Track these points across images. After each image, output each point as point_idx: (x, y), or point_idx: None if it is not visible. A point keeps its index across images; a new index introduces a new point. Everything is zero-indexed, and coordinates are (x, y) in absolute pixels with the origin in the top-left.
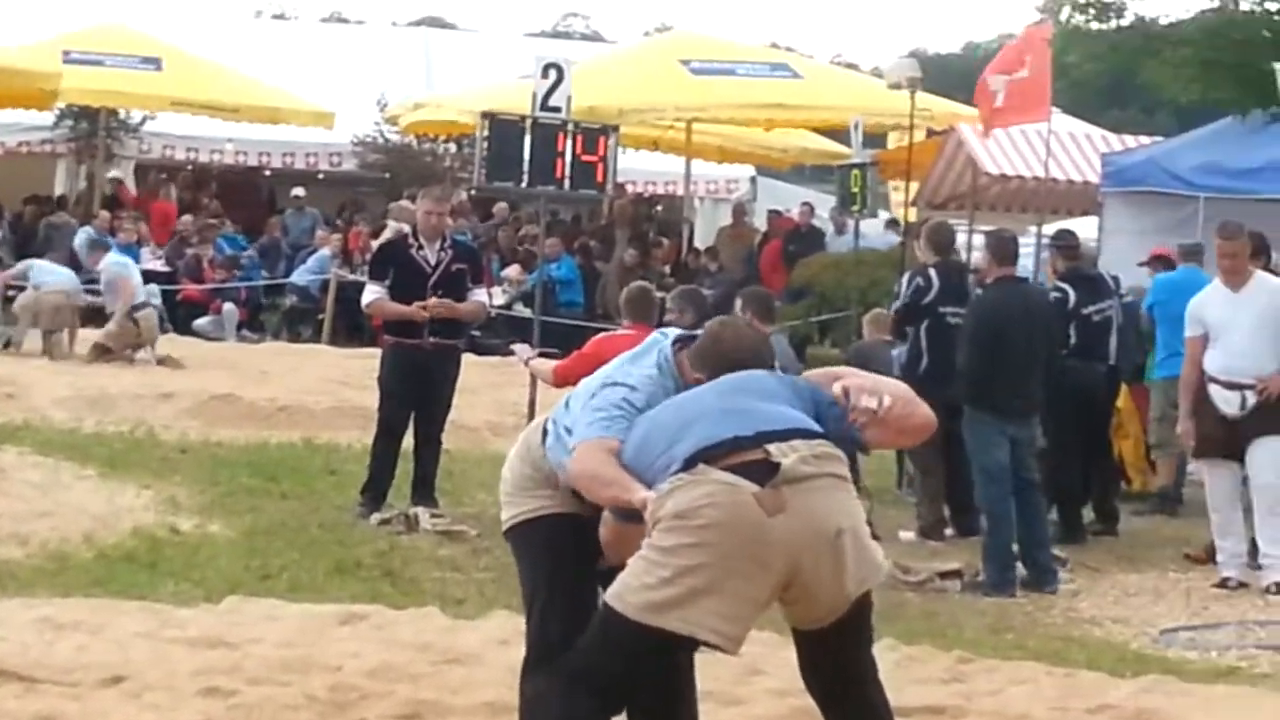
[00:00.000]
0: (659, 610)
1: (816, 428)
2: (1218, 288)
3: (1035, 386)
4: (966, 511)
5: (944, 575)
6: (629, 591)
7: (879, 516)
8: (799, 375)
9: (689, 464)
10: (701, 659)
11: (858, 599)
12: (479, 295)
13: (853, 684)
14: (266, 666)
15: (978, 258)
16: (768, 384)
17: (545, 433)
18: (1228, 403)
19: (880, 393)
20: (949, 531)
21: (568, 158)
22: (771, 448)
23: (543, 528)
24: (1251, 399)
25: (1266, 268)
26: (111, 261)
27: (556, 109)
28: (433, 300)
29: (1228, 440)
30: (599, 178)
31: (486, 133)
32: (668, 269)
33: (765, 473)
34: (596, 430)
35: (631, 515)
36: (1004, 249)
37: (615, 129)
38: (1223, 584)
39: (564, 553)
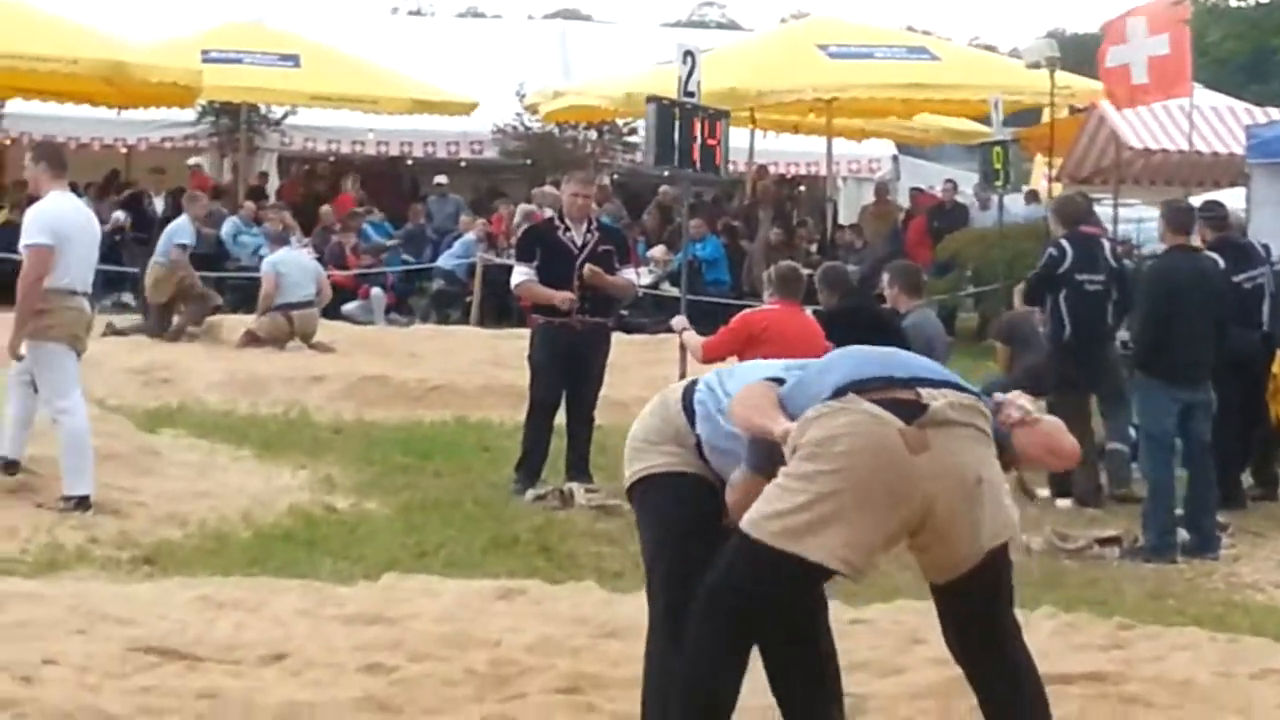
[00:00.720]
0: (795, 536)
1: (972, 387)
2: None
3: (1207, 353)
4: (1093, 476)
5: (1103, 542)
6: (764, 519)
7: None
8: (947, 347)
9: (838, 393)
10: (864, 629)
11: (993, 554)
12: (628, 274)
13: (993, 642)
14: (426, 642)
15: (1124, 230)
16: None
17: (686, 395)
18: None
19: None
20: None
21: (698, 142)
22: (923, 390)
23: (664, 484)
24: None
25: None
26: (269, 259)
27: (691, 94)
28: (586, 268)
29: None
30: (716, 160)
31: (654, 117)
32: (813, 247)
33: (913, 412)
34: (750, 376)
35: (765, 466)
36: (1178, 218)
37: (727, 114)
38: None
39: (685, 510)
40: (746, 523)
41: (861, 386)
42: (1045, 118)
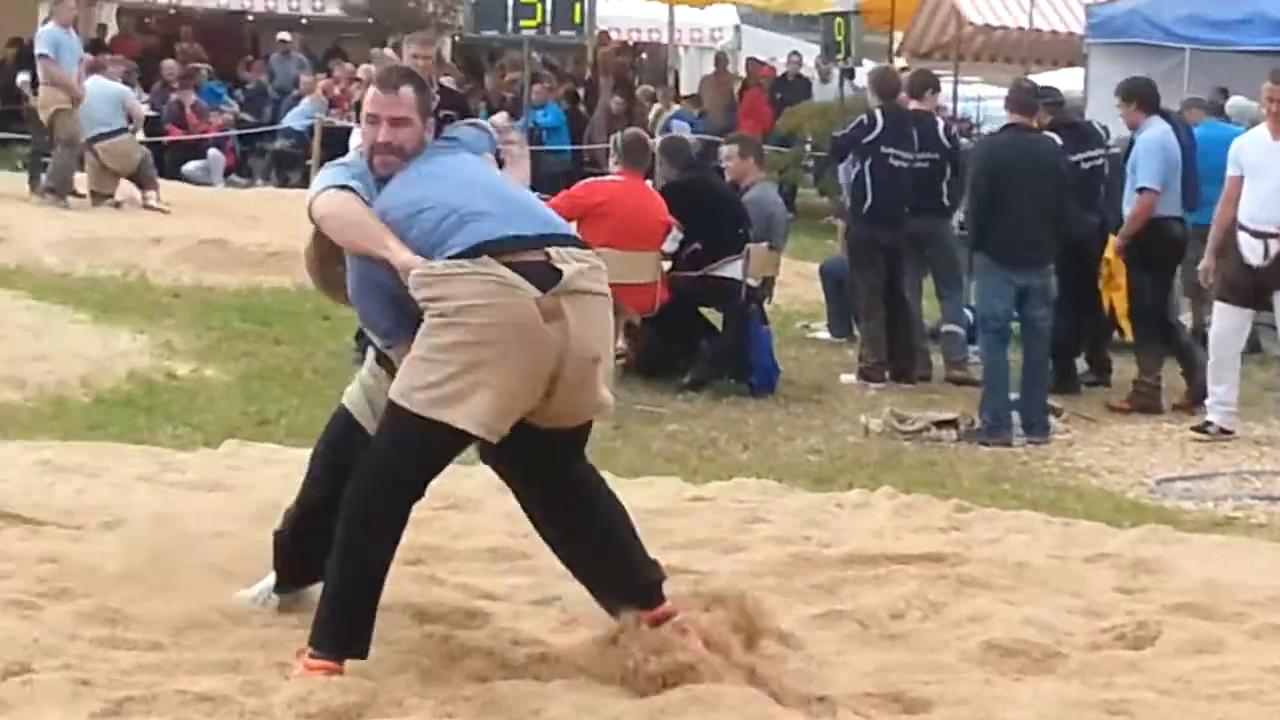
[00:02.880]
0: (442, 405)
1: (572, 230)
2: (1261, 132)
3: (1045, 235)
4: (907, 356)
5: (940, 424)
6: (413, 390)
7: (828, 362)
8: (787, 223)
9: (471, 252)
10: (703, 506)
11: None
12: None
13: (568, 490)
14: (267, 510)
15: (964, 108)
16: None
17: None
18: (1253, 251)
19: None
20: (888, 375)
21: (548, 3)
22: (553, 251)
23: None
24: (1275, 248)
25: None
26: None
27: None
28: None
29: (1247, 288)
30: (576, 18)
31: None
32: (652, 116)
33: (547, 277)
34: (328, 180)
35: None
36: (1021, 97)
37: None
38: (1203, 429)
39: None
40: (396, 394)
41: (494, 248)
42: None
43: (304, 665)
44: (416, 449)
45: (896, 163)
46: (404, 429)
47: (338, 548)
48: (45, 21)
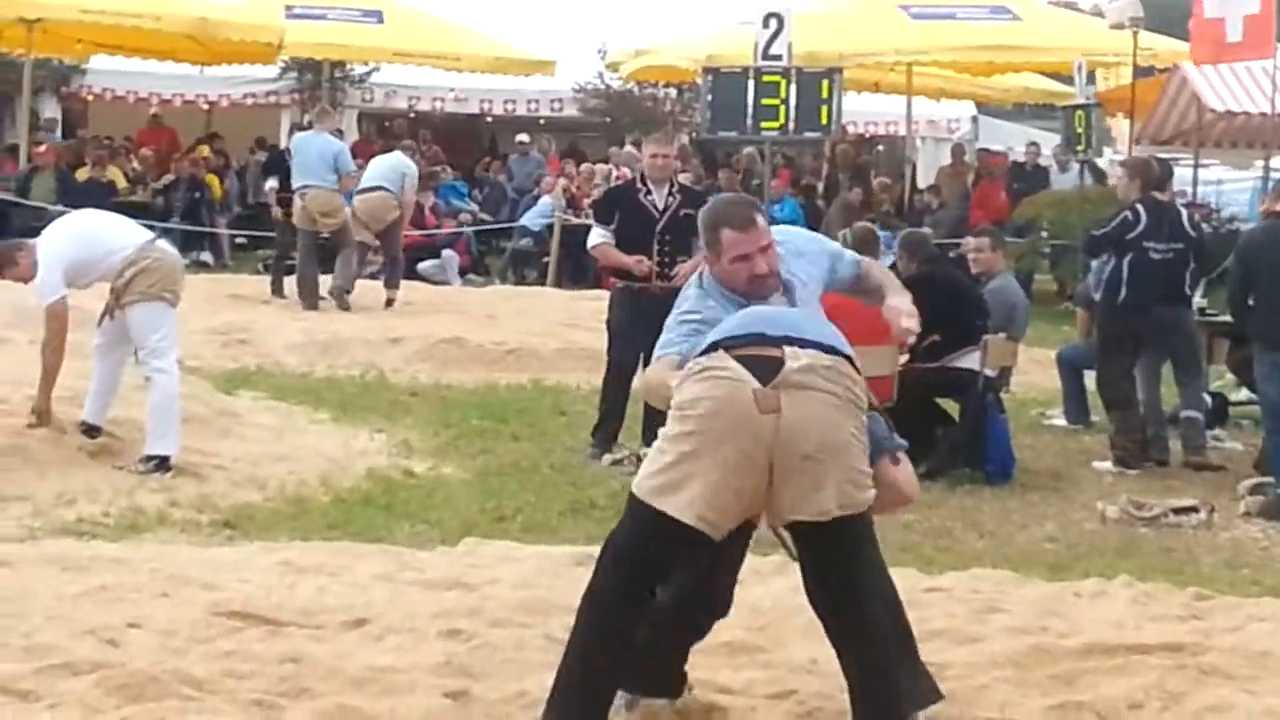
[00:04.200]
0: (660, 493)
1: (846, 348)
2: None
3: None
4: (1160, 439)
5: (1178, 511)
6: (643, 477)
7: (1065, 449)
8: (1028, 312)
9: (709, 349)
10: (939, 597)
11: (840, 523)
12: None
13: (851, 604)
14: (505, 608)
15: (1204, 192)
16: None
17: None
18: None
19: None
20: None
21: (791, 103)
22: (789, 349)
23: None
24: None
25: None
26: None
27: (778, 56)
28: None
29: None
30: (824, 119)
31: (710, 84)
32: (891, 209)
33: (773, 370)
34: (659, 352)
35: None
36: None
37: (839, 71)
38: None
39: None
40: (634, 481)
41: (731, 343)
42: (1110, 80)
43: None
44: (642, 534)
45: (1155, 255)
46: (633, 516)
47: (571, 639)
48: (305, 128)
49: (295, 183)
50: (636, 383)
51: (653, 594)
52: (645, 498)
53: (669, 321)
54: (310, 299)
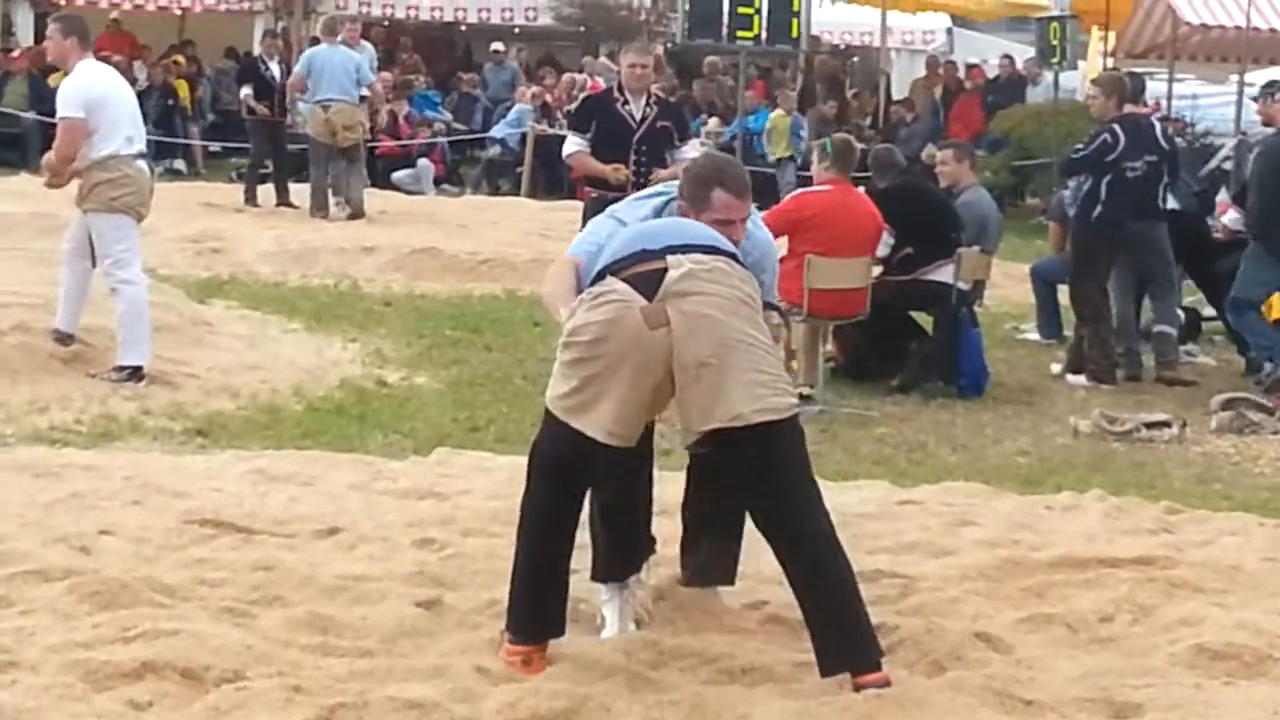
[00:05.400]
0: (572, 414)
1: (729, 247)
2: None
3: None
4: (1133, 353)
5: (1150, 425)
6: (556, 396)
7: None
8: (1000, 225)
9: (598, 276)
10: (912, 510)
11: (762, 430)
12: (687, 152)
13: (786, 515)
14: (478, 518)
15: (1179, 107)
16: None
17: None
18: None
19: None
20: (1120, 373)
21: (764, 12)
22: (671, 259)
23: None
24: None
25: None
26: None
27: None
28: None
29: None
30: (794, 32)
31: None
32: (866, 121)
33: (657, 284)
34: (572, 249)
35: None
36: None
37: None
38: None
39: None
40: (548, 399)
41: (618, 266)
42: None
43: (505, 649)
44: (561, 446)
45: (1131, 174)
46: (551, 431)
47: (517, 539)
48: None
49: (317, 95)
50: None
51: (583, 492)
52: (561, 415)
53: (599, 217)
54: (323, 209)
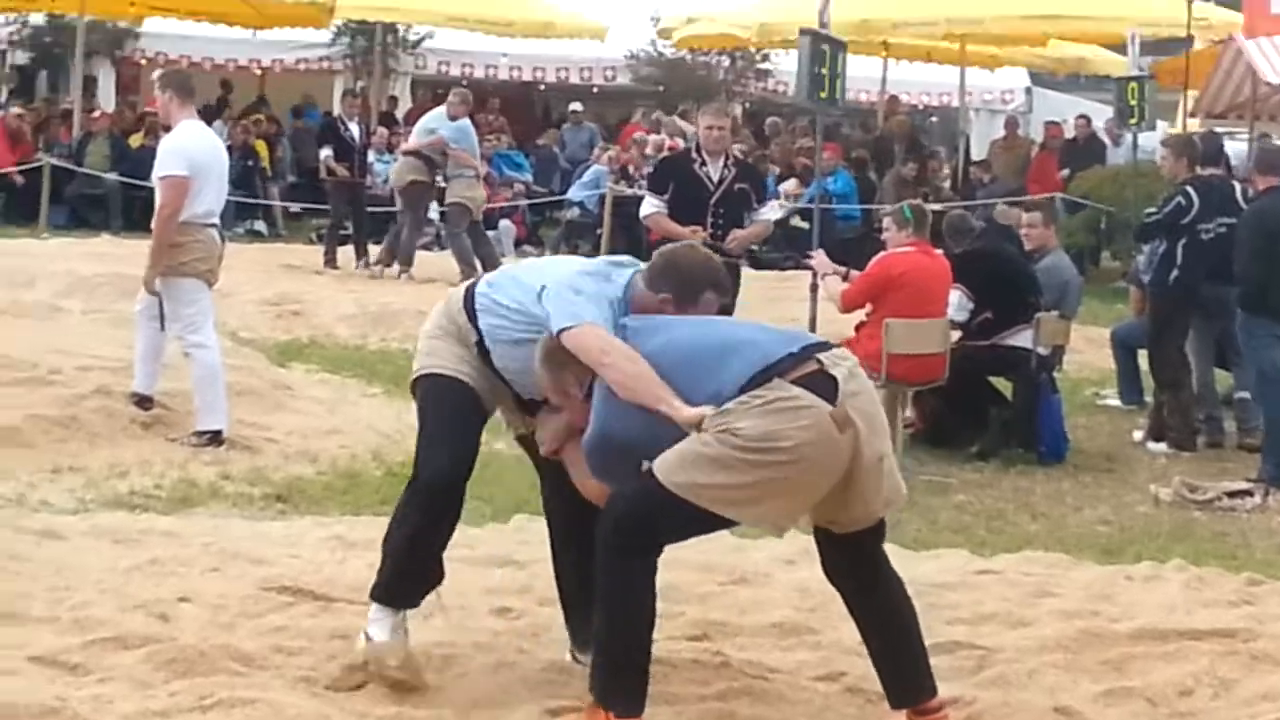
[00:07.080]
0: (730, 506)
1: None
2: None
3: None
4: (1215, 420)
5: (1232, 494)
6: (700, 486)
7: (1119, 430)
8: (1081, 289)
9: (757, 381)
10: (991, 579)
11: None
12: (765, 214)
13: (879, 575)
14: (555, 587)
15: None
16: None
17: (468, 294)
18: None
19: None
20: (1201, 440)
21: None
22: (823, 358)
23: (444, 384)
24: None
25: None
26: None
27: (824, 25)
28: (733, 243)
29: None
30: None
31: (809, 49)
32: (946, 183)
33: (828, 386)
34: (590, 313)
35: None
36: (1267, 160)
37: (844, 45)
38: None
39: (461, 405)
40: (676, 484)
41: (780, 369)
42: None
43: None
44: (674, 523)
45: (1206, 236)
46: (671, 510)
47: (602, 607)
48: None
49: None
50: (595, 349)
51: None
52: (709, 506)
53: (575, 280)
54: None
